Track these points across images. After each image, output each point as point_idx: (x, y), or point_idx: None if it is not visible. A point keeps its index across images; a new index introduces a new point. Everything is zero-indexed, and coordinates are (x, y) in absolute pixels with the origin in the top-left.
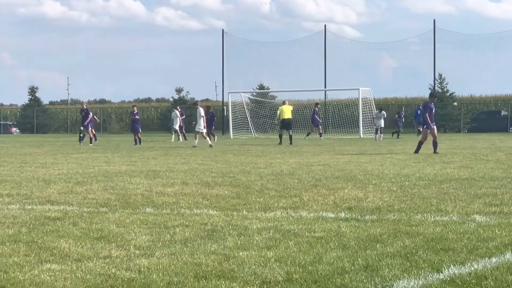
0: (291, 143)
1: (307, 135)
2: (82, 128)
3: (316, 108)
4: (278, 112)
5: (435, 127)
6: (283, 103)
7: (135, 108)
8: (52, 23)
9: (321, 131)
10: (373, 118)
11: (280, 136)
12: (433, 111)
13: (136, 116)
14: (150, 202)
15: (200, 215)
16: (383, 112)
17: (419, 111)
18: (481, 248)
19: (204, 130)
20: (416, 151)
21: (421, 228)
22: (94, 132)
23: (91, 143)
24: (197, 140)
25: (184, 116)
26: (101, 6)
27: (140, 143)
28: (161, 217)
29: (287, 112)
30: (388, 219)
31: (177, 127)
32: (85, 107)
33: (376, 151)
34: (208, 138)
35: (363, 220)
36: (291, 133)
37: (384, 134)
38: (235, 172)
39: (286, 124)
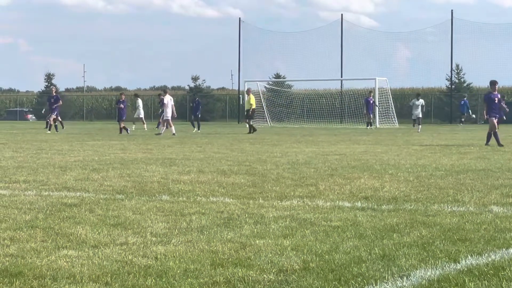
0: (251, 132)
1: (367, 124)
2: (53, 115)
3: (370, 97)
4: (252, 101)
5: (493, 119)
6: (248, 92)
7: (122, 95)
8: (68, 10)
9: (371, 120)
10: (411, 106)
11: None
12: (496, 101)
13: (121, 105)
14: (166, 189)
15: (216, 203)
16: (421, 100)
17: (462, 102)
18: (498, 238)
19: (169, 118)
20: (487, 143)
21: (438, 218)
22: (61, 119)
23: (49, 129)
24: (164, 127)
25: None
26: None
27: (121, 132)
28: (177, 204)
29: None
30: (404, 209)
31: (142, 116)
32: (55, 94)
33: (392, 141)
34: (172, 127)
35: (379, 210)
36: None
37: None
38: (251, 160)
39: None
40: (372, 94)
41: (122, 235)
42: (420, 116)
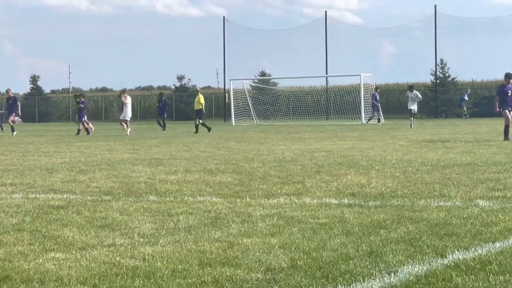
0: (197, 132)
1: (369, 119)
2: (12, 117)
3: (376, 93)
4: (201, 100)
5: (507, 111)
6: (197, 92)
7: (81, 96)
8: (53, 11)
9: (380, 116)
10: (405, 100)
11: (204, 125)
12: (510, 94)
13: (81, 105)
14: (153, 190)
15: (203, 203)
16: (416, 92)
17: (465, 96)
18: (484, 233)
19: (128, 119)
20: (506, 138)
21: (425, 214)
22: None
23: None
24: (129, 129)
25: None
26: None
27: (78, 134)
28: (164, 204)
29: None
30: (391, 205)
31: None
32: (12, 95)
33: (378, 137)
34: (128, 128)
35: (366, 206)
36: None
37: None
38: (237, 159)
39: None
40: (378, 90)
41: (109, 237)
42: (415, 108)
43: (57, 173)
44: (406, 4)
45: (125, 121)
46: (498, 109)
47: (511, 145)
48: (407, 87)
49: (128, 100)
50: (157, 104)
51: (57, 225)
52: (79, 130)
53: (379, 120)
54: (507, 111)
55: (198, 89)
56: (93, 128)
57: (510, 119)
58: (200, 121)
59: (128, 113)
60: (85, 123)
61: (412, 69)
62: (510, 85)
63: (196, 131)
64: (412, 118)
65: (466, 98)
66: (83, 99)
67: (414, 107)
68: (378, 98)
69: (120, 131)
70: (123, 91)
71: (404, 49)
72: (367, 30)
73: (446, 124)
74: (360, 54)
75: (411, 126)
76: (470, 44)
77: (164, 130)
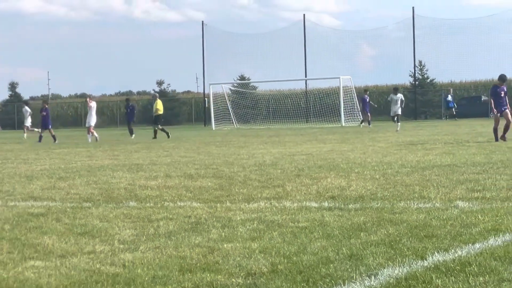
0: (156, 137)
1: (361, 122)
2: None
3: (366, 95)
4: (159, 106)
5: (507, 110)
6: (155, 98)
7: (45, 104)
8: (30, 18)
9: (369, 119)
10: (389, 102)
11: (163, 130)
12: (503, 94)
13: (43, 113)
14: (133, 195)
15: (183, 208)
16: (400, 94)
17: (448, 97)
18: (464, 234)
19: (92, 125)
20: (496, 139)
21: (405, 216)
22: None
23: None
24: (94, 135)
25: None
26: (79, 0)
27: (39, 140)
28: (144, 210)
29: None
30: (371, 207)
31: (28, 124)
32: None
33: (358, 140)
34: (94, 134)
35: (346, 209)
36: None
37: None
38: (218, 163)
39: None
40: (368, 93)
41: (89, 244)
42: (399, 112)
43: (37, 180)
44: (384, 6)
45: (90, 127)
46: (495, 110)
47: (489, 146)
48: (392, 89)
49: (93, 105)
50: (125, 110)
51: (36, 233)
52: (54, 136)
53: (369, 123)
54: (507, 111)
55: (157, 94)
56: (97, 136)
57: (511, 118)
58: (159, 126)
59: (93, 118)
60: (51, 130)
61: (391, 71)
62: (503, 86)
63: (155, 137)
64: (397, 122)
65: (449, 98)
66: (46, 106)
67: (399, 111)
68: (368, 100)
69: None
70: (88, 97)
71: (383, 51)
72: (345, 32)
73: (425, 126)
74: (339, 57)
75: (397, 130)
76: (449, 46)
77: (131, 136)
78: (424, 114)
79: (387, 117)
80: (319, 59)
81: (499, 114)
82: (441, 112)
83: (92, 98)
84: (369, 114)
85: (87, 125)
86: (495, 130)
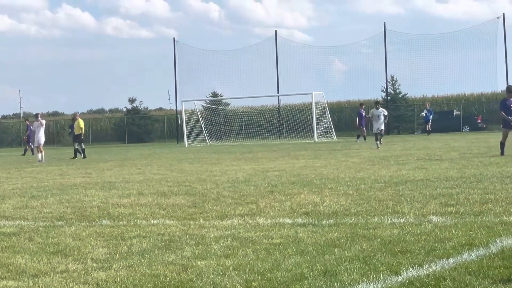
0: (76, 157)
1: (358, 137)
2: None
3: (362, 109)
4: (81, 125)
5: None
6: (76, 117)
7: (26, 121)
8: (0, 36)
9: (365, 134)
10: (370, 117)
11: (83, 151)
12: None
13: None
14: (106, 214)
15: (157, 226)
16: (382, 109)
17: (424, 111)
18: (438, 249)
19: (41, 143)
20: (502, 153)
21: (378, 231)
22: None
23: None
24: (40, 154)
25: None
26: (50, 18)
27: (24, 153)
28: (117, 229)
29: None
30: (345, 223)
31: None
32: None
33: (331, 155)
34: (42, 153)
35: (320, 225)
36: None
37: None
38: (190, 180)
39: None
40: (363, 107)
41: (62, 263)
42: (383, 128)
43: (9, 199)
44: (355, 21)
45: (39, 146)
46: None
47: (462, 160)
48: (373, 103)
49: (44, 123)
50: (69, 130)
51: (9, 253)
52: (32, 150)
53: (364, 138)
54: (506, 128)
55: (78, 113)
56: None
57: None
58: (82, 145)
59: (43, 137)
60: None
61: (363, 86)
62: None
63: (75, 156)
64: (378, 139)
65: (423, 113)
66: (27, 123)
67: (382, 126)
68: (364, 114)
69: (67, 155)
70: (36, 115)
71: (355, 67)
72: (317, 48)
73: (398, 141)
74: (311, 73)
75: (377, 147)
76: (421, 60)
77: (82, 155)
78: (397, 129)
79: (359, 132)
80: (292, 75)
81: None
82: (414, 127)
83: (42, 116)
84: (364, 128)
85: (36, 144)
86: (502, 145)
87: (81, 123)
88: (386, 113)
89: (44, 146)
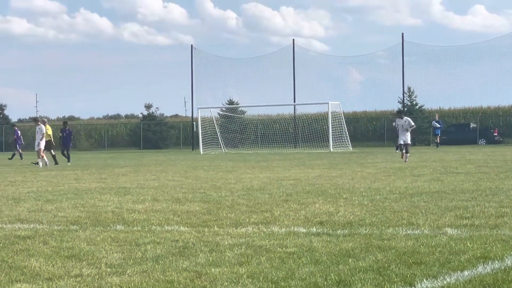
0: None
1: (437, 146)
2: None
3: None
4: (50, 131)
5: None
6: (45, 123)
7: (15, 127)
8: (18, 40)
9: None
10: (396, 128)
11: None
12: None
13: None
14: (120, 219)
15: (171, 232)
16: (406, 118)
17: (434, 122)
18: (453, 261)
19: (42, 148)
20: None
21: (393, 242)
22: None
23: None
24: (44, 159)
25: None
26: (68, 23)
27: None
28: (132, 234)
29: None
30: (359, 233)
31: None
32: None
33: (346, 165)
34: (44, 157)
35: (334, 235)
36: (54, 153)
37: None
38: (205, 187)
39: (52, 145)
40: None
41: (76, 267)
42: (409, 141)
43: (24, 202)
44: (373, 32)
45: (39, 150)
46: None
47: (478, 173)
48: (396, 112)
49: (40, 129)
50: (60, 135)
51: (23, 256)
52: (20, 154)
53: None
54: None
55: (45, 120)
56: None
57: None
58: (52, 152)
59: (39, 143)
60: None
61: (379, 97)
62: None
63: (56, 162)
64: (404, 150)
65: (436, 124)
66: (15, 128)
67: (406, 138)
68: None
69: (83, 160)
70: (35, 119)
71: (372, 77)
72: (334, 58)
73: (414, 152)
74: (328, 82)
75: (404, 158)
76: (438, 72)
77: (68, 162)
78: (413, 140)
79: (375, 143)
80: (308, 84)
81: None
82: (430, 138)
83: (40, 120)
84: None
85: (36, 148)
86: None
87: (49, 130)
88: (411, 122)
89: (56, 151)
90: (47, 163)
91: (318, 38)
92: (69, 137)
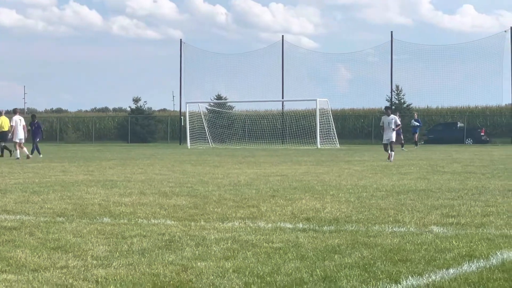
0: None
1: (416, 144)
2: None
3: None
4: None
5: None
6: (1, 113)
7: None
8: (7, 32)
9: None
10: (380, 126)
11: (4, 148)
12: None
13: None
14: (107, 212)
15: (157, 225)
16: (393, 116)
17: (412, 121)
18: (438, 259)
19: (22, 141)
20: None
21: (379, 239)
22: None
23: None
24: (18, 151)
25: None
26: (57, 15)
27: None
28: (118, 227)
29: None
30: (346, 230)
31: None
32: None
33: (334, 162)
34: (24, 149)
35: (321, 231)
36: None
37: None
38: (192, 182)
39: (4, 136)
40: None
41: (62, 258)
42: (393, 139)
43: (10, 193)
44: (362, 30)
45: (20, 143)
46: None
47: (464, 172)
48: (383, 108)
49: (21, 119)
50: (29, 127)
51: (9, 247)
52: (7, 150)
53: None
54: None
55: (2, 111)
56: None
57: None
58: (2, 143)
59: (18, 134)
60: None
61: (367, 94)
62: None
63: (1, 155)
64: (389, 150)
65: (414, 123)
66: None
67: (390, 136)
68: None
69: (70, 152)
70: (14, 111)
71: (360, 75)
72: (323, 55)
73: (401, 150)
74: (316, 79)
75: (390, 158)
76: (426, 71)
77: (40, 154)
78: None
79: (363, 141)
80: (297, 80)
81: None
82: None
83: (18, 112)
84: (401, 136)
85: (17, 139)
86: None
87: (5, 121)
88: (398, 120)
89: (46, 143)
90: (25, 155)
91: (307, 35)
92: (38, 130)
